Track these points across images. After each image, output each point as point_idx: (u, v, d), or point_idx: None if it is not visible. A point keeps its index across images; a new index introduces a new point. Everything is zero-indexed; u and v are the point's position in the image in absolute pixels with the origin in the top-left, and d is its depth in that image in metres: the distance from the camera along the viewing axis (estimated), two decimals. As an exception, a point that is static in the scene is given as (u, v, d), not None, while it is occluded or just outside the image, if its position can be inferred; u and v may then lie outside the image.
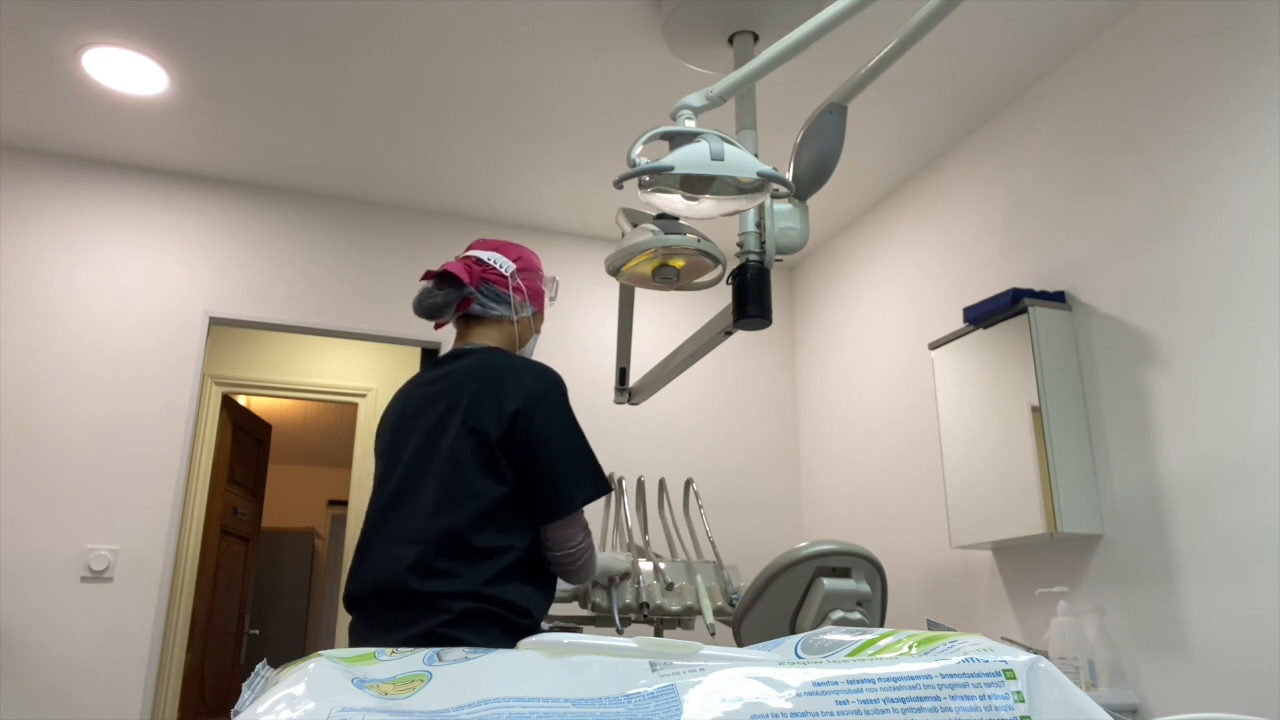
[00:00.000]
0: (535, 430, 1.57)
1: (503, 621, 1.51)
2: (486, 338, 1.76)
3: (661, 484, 2.32)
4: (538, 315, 1.84)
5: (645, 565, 2.17)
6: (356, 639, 1.56)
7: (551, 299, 1.89)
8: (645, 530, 2.36)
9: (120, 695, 2.92)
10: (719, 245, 2.67)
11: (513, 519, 1.56)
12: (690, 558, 2.24)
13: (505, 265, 1.76)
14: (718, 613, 2.13)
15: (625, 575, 2.10)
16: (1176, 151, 2.34)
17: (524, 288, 1.78)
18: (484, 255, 1.77)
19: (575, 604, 2.18)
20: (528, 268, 1.81)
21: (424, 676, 0.59)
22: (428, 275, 1.74)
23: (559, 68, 2.78)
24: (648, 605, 2.06)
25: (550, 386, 1.62)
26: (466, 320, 1.77)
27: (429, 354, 3.77)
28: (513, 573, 1.54)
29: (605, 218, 3.78)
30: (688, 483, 2.37)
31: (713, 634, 2.06)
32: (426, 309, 1.73)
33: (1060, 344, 2.55)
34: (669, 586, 2.11)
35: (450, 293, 1.72)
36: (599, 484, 1.62)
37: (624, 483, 2.35)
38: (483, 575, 1.51)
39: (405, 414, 1.70)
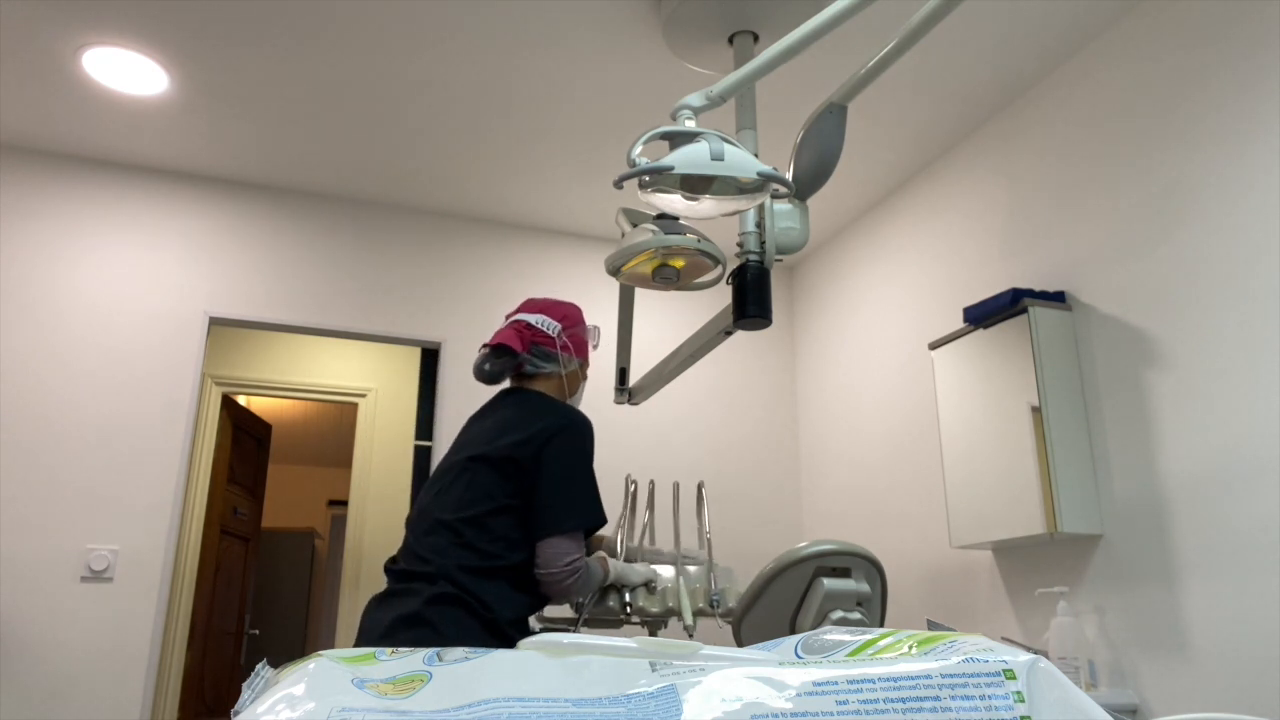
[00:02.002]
0: (542, 459, 1.76)
1: (469, 607, 1.68)
2: (538, 389, 1.98)
3: (676, 488, 2.33)
4: (584, 365, 2.03)
5: (666, 571, 2.16)
6: (365, 611, 1.76)
7: (594, 347, 2.07)
8: (651, 538, 2.35)
9: (120, 695, 2.92)
10: (719, 245, 2.67)
11: (512, 530, 1.74)
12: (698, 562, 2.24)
13: (551, 326, 1.96)
14: (699, 614, 2.12)
15: (648, 584, 2.12)
16: (1177, 151, 2.34)
17: (570, 344, 1.97)
18: (532, 319, 1.96)
19: (566, 605, 2.17)
20: (573, 324, 2.00)
21: (424, 676, 0.59)
22: (485, 346, 1.95)
23: (558, 68, 2.78)
24: (630, 605, 2.05)
25: (568, 425, 1.81)
26: (520, 378, 1.99)
27: (429, 354, 3.78)
28: (497, 573, 1.71)
29: (605, 218, 3.78)
30: (699, 486, 2.38)
31: (690, 636, 2.06)
32: (486, 376, 1.93)
33: (1060, 344, 2.55)
34: (651, 589, 2.10)
35: (506, 360, 1.93)
36: (589, 516, 1.78)
37: (635, 486, 2.34)
38: (463, 563, 1.70)
39: (462, 436, 1.93)
